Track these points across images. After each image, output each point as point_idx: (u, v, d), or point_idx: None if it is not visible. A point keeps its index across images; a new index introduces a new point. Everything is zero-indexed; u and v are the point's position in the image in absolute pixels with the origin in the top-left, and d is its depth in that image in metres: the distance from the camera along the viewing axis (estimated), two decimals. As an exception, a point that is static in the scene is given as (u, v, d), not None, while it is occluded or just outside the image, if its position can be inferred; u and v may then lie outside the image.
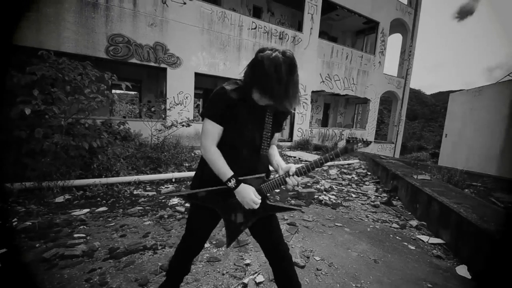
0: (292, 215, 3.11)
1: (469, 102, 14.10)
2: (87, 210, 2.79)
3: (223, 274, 1.88)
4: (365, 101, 13.26)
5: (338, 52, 11.10)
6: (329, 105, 14.85)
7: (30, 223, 2.36)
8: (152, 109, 5.10)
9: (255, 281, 1.80)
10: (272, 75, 1.01)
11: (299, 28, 10.29)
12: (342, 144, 10.94)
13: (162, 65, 6.65)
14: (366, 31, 14.18)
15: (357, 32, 14.79)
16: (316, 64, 10.33)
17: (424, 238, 2.72)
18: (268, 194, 1.25)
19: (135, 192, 3.48)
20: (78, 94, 3.31)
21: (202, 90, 10.41)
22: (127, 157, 4.22)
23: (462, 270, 2.13)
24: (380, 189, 4.60)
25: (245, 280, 1.79)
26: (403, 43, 14.47)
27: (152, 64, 6.50)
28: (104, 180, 3.42)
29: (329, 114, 15.01)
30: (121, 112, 14.13)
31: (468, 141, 13.51)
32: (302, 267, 2.02)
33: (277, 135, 1.38)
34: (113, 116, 7.21)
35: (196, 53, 7.14)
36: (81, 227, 2.42)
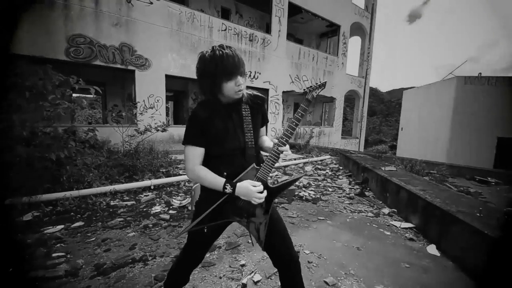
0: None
1: (420, 98, 15.70)
2: (62, 226, 2.57)
3: (220, 278, 1.90)
4: (331, 100, 14.01)
5: (305, 53, 11.57)
6: (298, 104, 15.38)
7: (-4, 247, 2.11)
8: (123, 114, 4.81)
9: (253, 280, 1.85)
10: (227, 57, 1.08)
11: (268, 30, 10.51)
12: (313, 141, 11.42)
13: (130, 67, 6.31)
14: (329, 33, 15.00)
15: (321, 35, 15.55)
16: (285, 65, 10.65)
17: (397, 223, 3.01)
18: (268, 180, 1.23)
19: (112, 203, 3.28)
20: (41, 101, 3.02)
21: (172, 93, 10.07)
22: (99, 167, 3.95)
23: (432, 249, 2.42)
24: (353, 182, 4.94)
25: (244, 281, 1.83)
26: (362, 45, 15.58)
27: (119, 66, 6.14)
28: (75, 192, 3.16)
29: (299, 113, 15.55)
30: (79, 117, 13.02)
31: (421, 133, 15.02)
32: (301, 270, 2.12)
33: (263, 130, 1.41)
34: (74, 123, 6.64)
35: (166, 54, 6.91)
36: (58, 245, 2.24)
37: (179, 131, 7.54)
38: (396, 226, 2.95)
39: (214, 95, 1.18)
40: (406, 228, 2.89)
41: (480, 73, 12.77)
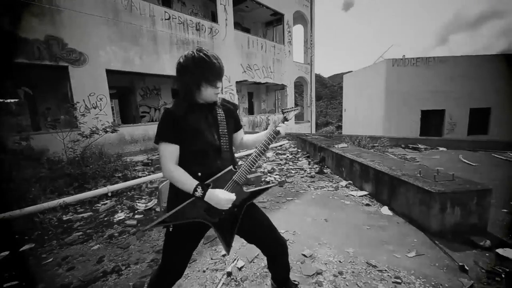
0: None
1: (357, 81, 17.35)
2: (7, 252, 2.20)
3: (204, 271, 1.90)
4: (283, 87, 14.51)
5: (254, 42, 11.63)
6: (252, 94, 15.53)
7: None
8: (61, 116, 4.21)
9: (237, 267, 1.90)
10: (213, 63, 1.13)
11: (214, 19, 10.21)
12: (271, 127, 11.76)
13: (62, 63, 5.49)
14: (274, 22, 15.27)
15: (267, 24, 15.75)
16: (236, 55, 10.56)
17: (354, 193, 3.37)
18: (244, 182, 1.26)
19: (64, 218, 2.92)
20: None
21: (116, 90, 9.13)
22: (40, 180, 3.44)
23: (385, 210, 2.80)
24: (312, 162, 5.30)
25: (228, 269, 1.86)
26: (304, 33, 16.32)
27: (47, 62, 5.29)
28: (16, 212, 2.72)
29: (253, 102, 15.73)
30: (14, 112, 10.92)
31: (361, 112, 16.71)
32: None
33: (240, 132, 1.44)
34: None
35: (104, 47, 6.18)
36: (6, 274, 1.92)
37: (130, 131, 6.95)
38: (353, 196, 3.30)
39: (192, 95, 1.18)
40: (361, 196, 3.26)
41: (404, 56, 14.66)
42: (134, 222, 2.77)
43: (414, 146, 6.73)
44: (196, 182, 1.13)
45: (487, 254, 1.91)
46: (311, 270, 1.83)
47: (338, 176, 4.25)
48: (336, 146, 4.82)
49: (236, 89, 10.96)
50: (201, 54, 1.14)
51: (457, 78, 13.36)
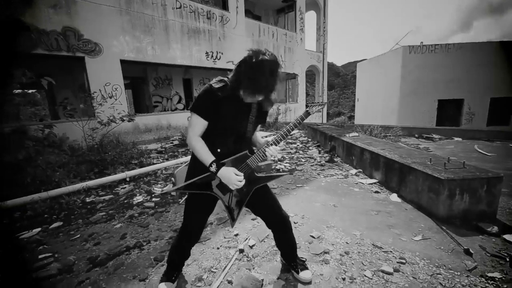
0: (258, 186, 3.39)
1: (371, 69, 16.85)
2: (39, 229, 2.42)
3: (218, 248, 2.03)
4: (294, 76, 14.33)
5: (264, 30, 11.47)
6: (263, 83, 15.43)
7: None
8: (80, 105, 4.41)
9: (249, 245, 2.02)
10: (259, 78, 1.14)
11: (225, 6, 10.11)
12: (280, 118, 11.74)
13: (78, 54, 5.68)
14: (285, 9, 14.92)
15: (278, 11, 15.41)
16: (246, 44, 10.49)
17: (363, 181, 3.41)
18: (256, 167, 1.39)
19: (88, 200, 3.14)
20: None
21: (130, 80, 9.35)
22: (64, 165, 3.68)
23: (394, 197, 2.84)
24: (322, 151, 5.33)
25: (240, 246, 1.99)
26: (317, 20, 15.88)
27: (65, 53, 5.49)
28: (44, 194, 2.94)
29: (263, 92, 15.66)
30: (21, 116, 11.48)
31: (374, 102, 16.32)
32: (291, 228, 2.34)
33: (259, 126, 1.52)
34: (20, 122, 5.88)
35: (117, 37, 6.32)
36: (41, 247, 2.13)
37: (144, 120, 7.17)
38: (363, 183, 3.35)
39: (236, 88, 1.23)
40: (371, 184, 3.30)
41: (422, 42, 14.06)
42: (152, 204, 2.94)
43: (428, 136, 6.59)
44: (213, 158, 1.25)
45: (493, 240, 1.94)
46: (318, 249, 1.93)
47: (348, 165, 4.28)
48: (347, 135, 4.82)
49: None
50: (261, 61, 1.12)
51: (477, 66, 12.74)
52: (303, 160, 4.77)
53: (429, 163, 2.60)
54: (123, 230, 2.41)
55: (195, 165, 1.35)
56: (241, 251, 1.96)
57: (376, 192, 3.03)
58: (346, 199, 2.87)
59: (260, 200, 1.46)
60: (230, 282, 1.63)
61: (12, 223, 2.56)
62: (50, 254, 2.02)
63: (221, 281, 1.64)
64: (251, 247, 2.01)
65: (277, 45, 12.25)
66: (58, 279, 1.74)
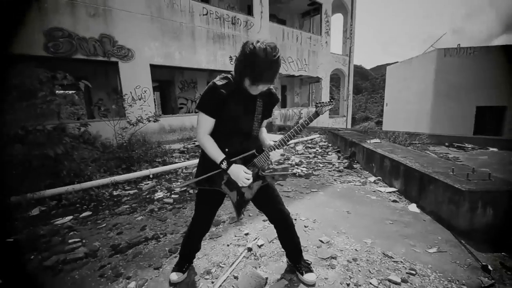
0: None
1: (403, 73, 16.04)
2: (71, 217, 2.70)
3: (228, 245, 2.11)
4: (318, 80, 14.15)
5: (288, 34, 11.51)
6: (285, 87, 15.46)
7: (13, 239, 2.24)
8: (113, 106, 4.80)
9: (258, 245, 2.08)
10: (261, 64, 1.16)
11: (249, 12, 10.33)
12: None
13: (113, 59, 6.19)
14: (311, 12, 14.83)
15: (303, 14, 15.36)
16: (270, 48, 10.59)
17: (382, 189, 3.30)
18: (263, 166, 1.46)
19: (115, 193, 3.41)
20: (31, 99, 3.03)
21: (158, 83, 9.91)
22: (95, 160, 4.02)
23: (413, 207, 2.72)
24: (341, 157, 5.23)
25: (249, 245, 2.06)
26: (344, 22, 15.55)
27: (101, 58, 6.01)
28: (77, 186, 3.26)
29: (286, 95, 15.66)
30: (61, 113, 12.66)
31: (405, 107, 15.49)
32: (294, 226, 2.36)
33: (265, 122, 1.58)
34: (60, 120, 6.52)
35: (148, 43, 6.77)
36: (71, 233, 2.38)
37: (169, 121, 7.55)
38: (381, 191, 3.24)
39: (240, 81, 1.28)
40: (390, 192, 3.19)
41: (459, 45, 13.14)
42: (171, 200, 3.12)
43: (460, 145, 6.16)
44: (223, 156, 1.34)
45: (518, 258, 1.80)
46: (326, 254, 1.93)
47: (367, 172, 4.16)
48: (368, 141, 4.68)
49: (269, 82, 11.04)
50: (266, 53, 1.14)
51: (523, 69, 11.60)
52: (321, 165, 4.72)
53: (451, 173, 2.47)
54: (144, 222, 2.59)
55: (204, 162, 1.45)
56: (250, 249, 2.02)
57: (394, 201, 2.93)
58: (361, 207, 2.82)
59: (264, 196, 1.53)
60: (236, 277, 1.70)
61: (50, 210, 2.87)
62: (78, 239, 2.24)
63: (228, 276, 1.72)
64: (259, 246, 2.07)
65: (301, 49, 12.21)
66: (84, 261, 1.93)
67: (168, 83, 9.89)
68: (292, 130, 1.36)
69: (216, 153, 1.34)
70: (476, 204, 2.04)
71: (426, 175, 2.60)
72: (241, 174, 1.34)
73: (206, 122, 1.34)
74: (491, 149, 5.85)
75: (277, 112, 11.73)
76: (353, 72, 16.12)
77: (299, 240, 1.68)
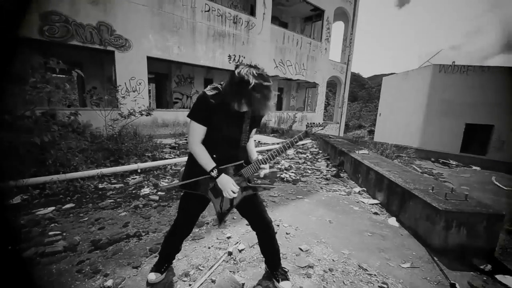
0: (260, 193, 3.48)
1: (398, 85, 16.34)
2: (53, 208, 2.66)
3: (209, 248, 2.14)
4: (314, 85, 14.28)
5: (289, 38, 11.57)
6: (282, 89, 15.52)
7: (-9, 227, 2.20)
8: (105, 97, 4.74)
9: (238, 249, 2.11)
10: (249, 93, 1.21)
11: (252, 12, 10.33)
12: (295, 126, 11.75)
13: (109, 48, 6.09)
14: (313, 18, 14.93)
15: (306, 19, 15.45)
16: (269, 50, 10.64)
17: (365, 200, 3.39)
18: (249, 177, 1.51)
19: (100, 186, 3.38)
20: (22, 85, 2.97)
21: (154, 75, 9.81)
22: (83, 151, 3.97)
23: (392, 221, 2.81)
24: (330, 164, 5.31)
25: (230, 249, 2.09)
26: (345, 30, 15.72)
27: (97, 46, 5.91)
28: (62, 176, 3.22)
29: (283, 98, 15.73)
30: (52, 99, 12.37)
31: (397, 119, 15.80)
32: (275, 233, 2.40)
33: (253, 131, 1.61)
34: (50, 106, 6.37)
35: (147, 35, 6.70)
36: (52, 225, 2.36)
37: (163, 115, 7.50)
38: (364, 203, 3.33)
39: (227, 98, 1.31)
40: (372, 204, 3.27)
41: (454, 62, 13.48)
42: (157, 197, 3.12)
43: (445, 161, 6.35)
44: (214, 164, 1.38)
45: (484, 278, 1.89)
46: (304, 262, 1.98)
47: (353, 182, 4.25)
48: (357, 152, 4.78)
49: (266, 84, 11.06)
50: (261, 87, 1.20)
51: (512, 91, 11.98)
52: (309, 171, 4.79)
53: (431, 191, 2.56)
54: (127, 218, 2.59)
55: (192, 166, 1.47)
56: (230, 253, 2.05)
57: (375, 213, 3.01)
58: (343, 217, 2.88)
59: (248, 203, 1.56)
60: (213, 281, 1.73)
61: (32, 199, 2.83)
62: (59, 232, 2.22)
63: (205, 279, 1.74)
64: (240, 251, 2.10)
65: (300, 53, 12.29)
66: (63, 255, 1.92)
67: (165, 76, 9.81)
68: (281, 146, 1.40)
69: (207, 161, 1.38)
70: (451, 223, 2.13)
71: (407, 191, 2.68)
72: (229, 185, 1.38)
73: (198, 130, 1.38)
74: (474, 167, 6.06)
75: (272, 114, 11.79)
76: (349, 80, 16.32)
77: (279, 248, 1.72)
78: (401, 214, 2.80)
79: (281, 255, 2.00)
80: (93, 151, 4.19)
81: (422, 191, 2.55)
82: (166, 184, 1.33)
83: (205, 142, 1.41)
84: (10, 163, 2.88)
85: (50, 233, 2.19)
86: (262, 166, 1.43)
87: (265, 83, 1.24)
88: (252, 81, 1.19)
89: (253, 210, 1.60)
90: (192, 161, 1.48)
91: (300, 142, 1.48)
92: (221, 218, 1.55)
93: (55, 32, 5.25)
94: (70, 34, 5.49)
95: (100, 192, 3.21)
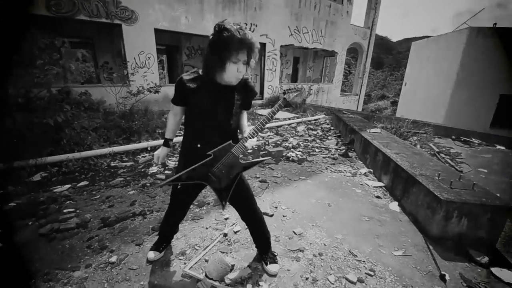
0: (263, 173, 3.52)
1: (429, 51, 14.85)
2: (69, 185, 2.90)
3: (207, 228, 2.26)
4: (333, 54, 13.38)
5: (306, 1, 10.63)
6: (298, 59, 14.75)
7: (15, 204, 2.46)
8: (114, 74, 4.79)
9: (234, 231, 2.22)
10: (223, 52, 1.18)
11: (265, -27, 9.47)
12: (310, 100, 11.35)
13: (116, 21, 5.98)
14: (334, -25, 13.44)
15: (326, -23, 13.96)
16: (284, 16, 9.92)
17: (369, 183, 3.33)
18: (241, 156, 1.48)
19: (112, 164, 3.58)
20: (29, 66, 3.06)
21: (165, 47, 9.64)
22: (96, 129, 4.16)
23: (394, 206, 2.77)
24: (340, 143, 5.19)
25: (225, 231, 2.20)
26: (371, -11, 14.12)
27: (104, 20, 5.82)
28: (77, 154, 3.43)
29: (298, 69, 15.02)
30: (73, 71, 12.76)
31: (424, 89, 14.68)
32: (271, 215, 2.48)
33: (244, 113, 1.55)
34: (67, 82, 6.57)
35: (153, 5, 6.44)
36: (68, 202, 2.58)
37: (173, 90, 7.49)
38: (368, 185, 3.28)
39: (213, 73, 1.29)
40: (376, 187, 3.22)
41: (495, 24, 11.90)
42: (163, 176, 3.27)
43: (467, 139, 5.95)
44: (170, 137, 1.62)
45: (479, 270, 1.86)
46: (295, 246, 2.05)
47: (361, 162, 4.16)
48: (368, 130, 4.58)
49: (280, 53, 10.54)
50: (232, 29, 1.16)
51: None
52: (317, 150, 4.72)
53: (437, 178, 2.45)
54: (134, 197, 2.77)
55: (185, 157, 1.50)
56: (225, 235, 2.16)
57: (378, 197, 2.97)
58: (343, 200, 2.88)
59: (237, 194, 1.55)
60: (207, 261, 1.86)
61: (51, 176, 3.08)
62: (73, 209, 2.44)
63: (200, 259, 1.88)
64: (235, 232, 2.20)
65: (318, 18, 11.35)
66: (75, 232, 2.13)
67: (175, 48, 9.60)
68: (264, 117, 1.37)
69: (167, 132, 1.60)
70: (451, 214, 2.06)
71: (411, 176, 2.59)
72: (155, 155, 1.60)
73: (174, 110, 1.51)
74: (499, 147, 5.64)
75: (285, 86, 11.39)
76: (373, 47, 15.07)
77: (269, 235, 1.79)
78: (404, 199, 2.74)
79: (273, 238, 2.10)
80: (106, 129, 4.37)
81: (427, 178, 2.45)
82: (163, 183, 1.37)
83: (191, 130, 1.43)
84: (28, 143, 3.10)
85: (65, 210, 2.42)
86: (246, 144, 1.40)
87: (241, 33, 1.18)
88: (228, 30, 1.17)
89: (242, 201, 1.63)
90: (184, 152, 1.52)
91: (280, 112, 1.45)
92: (224, 199, 1.51)
93: (61, 8, 5.19)
94: (77, 9, 5.41)
95: (112, 170, 3.41)
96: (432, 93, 13.76)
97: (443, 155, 4.51)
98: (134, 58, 6.33)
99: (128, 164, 3.64)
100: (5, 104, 2.89)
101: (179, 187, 1.56)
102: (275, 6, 9.44)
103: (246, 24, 8.72)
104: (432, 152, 4.68)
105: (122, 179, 3.17)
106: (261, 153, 4.36)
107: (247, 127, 1.52)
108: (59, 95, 4.14)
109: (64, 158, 3.32)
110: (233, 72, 1.26)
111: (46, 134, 3.32)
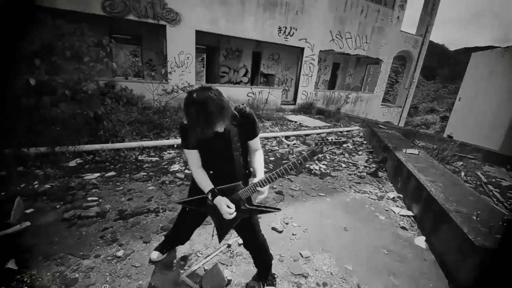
0: (281, 184, 3.43)
1: (490, 64, 13.15)
2: (98, 174, 3.15)
3: (212, 236, 2.25)
4: (377, 61, 12.59)
5: (352, 5, 10.16)
6: (338, 65, 14.17)
7: (49, 186, 2.74)
8: (152, 73, 5.12)
9: (238, 243, 2.18)
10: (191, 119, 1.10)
11: (310, -24, 9.26)
12: (346, 109, 10.83)
13: (161, 22, 6.37)
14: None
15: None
16: (326, 20, 9.60)
17: (396, 210, 3.03)
18: (246, 198, 1.39)
19: (139, 158, 3.81)
20: (77, 62, 3.39)
21: (205, 47, 10.02)
22: (131, 123, 4.46)
23: (420, 241, 2.47)
24: (371, 159, 4.83)
25: (230, 241, 2.17)
26: (428, -7, 12.95)
27: (151, 21, 6.24)
28: (111, 145, 3.72)
29: (337, 75, 14.44)
30: (123, 65, 14.00)
31: (479, 108, 13.03)
32: (280, 232, 2.39)
33: (255, 140, 1.44)
34: (114, 76, 7.18)
35: (195, 7, 6.72)
36: (94, 190, 2.80)
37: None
38: (394, 212, 2.98)
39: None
40: (403, 216, 2.91)
41: None
42: (183, 176, 3.37)
43: (528, 170, 5.09)
44: (210, 187, 1.36)
45: None
46: (298, 270, 1.94)
47: (391, 185, 3.81)
48: (404, 150, 4.18)
49: (319, 58, 10.22)
50: (195, 103, 1.07)
51: None
52: (343, 165, 4.46)
53: (475, 218, 2.12)
54: (153, 193, 2.89)
55: (195, 187, 1.46)
56: (229, 246, 2.14)
57: (403, 228, 2.68)
58: (363, 225, 2.66)
59: (243, 222, 1.49)
60: (205, 270, 1.85)
61: (85, 164, 3.38)
62: (96, 198, 2.63)
63: (199, 267, 1.88)
64: (239, 244, 2.16)
65: (364, 23, 10.77)
66: (93, 220, 2.29)
67: (214, 49, 9.91)
68: (282, 168, 1.25)
69: (204, 184, 1.38)
70: (485, 262, 1.76)
71: (444, 211, 2.28)
72: (223, 207, 1.32)
73: (190, 155, 1.38)
74: None
75: (320, 93, 11.03)
76: (424, 57, 13.81)
77: (271, 261, 1.73)
78: (433, 235, 2.43)
79: (277, 257, 2.02)
80: (140, 123, 4.66)
81: (462, 216, 2.14)
82: (177, 199, 1.46)
83: (202, 160, 1.41)
84: (70, 131, 3.44)
85: (89, 198, 2.62)
86: (258, 189, 1.32)
87: (195, 95, 1.07)
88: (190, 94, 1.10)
89: (246, 230, 1.57)
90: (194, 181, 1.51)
91: (306, 163, 1.33)
92: (222, 236, 1.52)
93: (114, 8, 5.70)
94: (128, 9, 5.88)
95: (138, 164, 3.63)
96: (489, 113, 12.12)
97: (491, 187, 3.92)
98: (174, 57, 6.68)
99: (154, 159, 3.83)
100: (54, 95, 3.23)
101: (187, 209, 1.65)
102: (318, 9, 9.18)
103: (285, 28, 8.63)
104: (478, 182, 4.10)
105: (145, 173, 3.35)
106: (283, 161, 4.26)
107: (260, 169, 1.42)
108: (105, 88, 4.54)
109: (98, 148, 3.61)
110: (219, 128, 1.18)
111: (86, 125, 3.65)
